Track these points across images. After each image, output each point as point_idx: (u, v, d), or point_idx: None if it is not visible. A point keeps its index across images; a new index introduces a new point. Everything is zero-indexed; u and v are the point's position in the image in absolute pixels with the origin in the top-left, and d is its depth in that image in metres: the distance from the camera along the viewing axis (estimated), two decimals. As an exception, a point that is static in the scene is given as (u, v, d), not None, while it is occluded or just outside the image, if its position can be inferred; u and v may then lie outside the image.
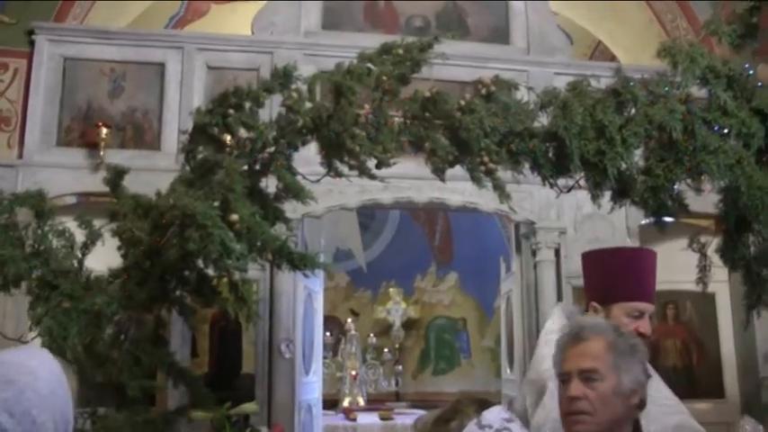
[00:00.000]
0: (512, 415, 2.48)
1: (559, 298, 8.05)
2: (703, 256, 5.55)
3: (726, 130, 4.89)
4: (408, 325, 15.47)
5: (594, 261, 3.56)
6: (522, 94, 5.10)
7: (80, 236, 4.89)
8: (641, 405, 2.38)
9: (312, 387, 8.75)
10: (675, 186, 4.93)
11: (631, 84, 4.77)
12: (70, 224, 4.91)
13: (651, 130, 4.74)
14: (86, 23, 8.75)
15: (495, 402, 2.66)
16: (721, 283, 8.40)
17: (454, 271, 15.65)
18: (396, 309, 15.25)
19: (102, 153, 7.54)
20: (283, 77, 4.87)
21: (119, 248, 4.74)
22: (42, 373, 1.73)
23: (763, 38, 5.36)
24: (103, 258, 4.87)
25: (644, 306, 3.26)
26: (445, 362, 15.56)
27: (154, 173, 6.74)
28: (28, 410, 1.65)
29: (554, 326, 3.38)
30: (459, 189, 7.49)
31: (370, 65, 4.84)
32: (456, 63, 7.57)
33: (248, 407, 6.32)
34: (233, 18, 11.72)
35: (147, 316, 4.93)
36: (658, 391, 3.21)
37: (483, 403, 2.63)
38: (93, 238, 4.82)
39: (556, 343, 2.49)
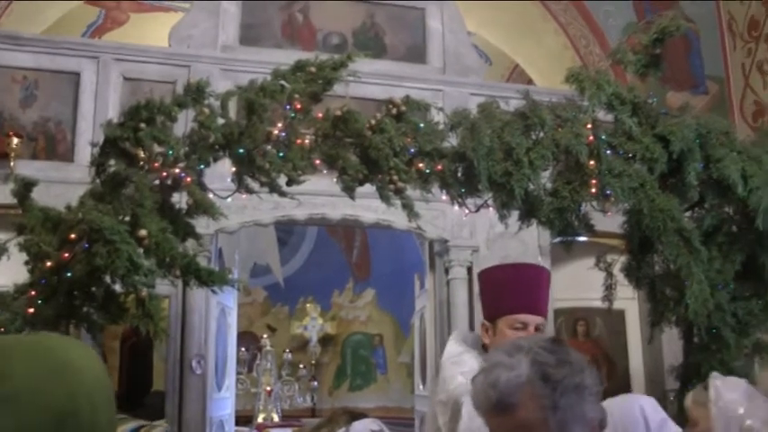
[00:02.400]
0: (382, 427, 2.50)
1: (471, 315, 8.14)
2: (609, 274, 5.69)
3: (630, 155, 5.04)
4: (325, 341, 15.51)
5: (486, 278, 3.61)
6: (433, 115, 5.17)
7: (-16, 250, 4.77)
8: (602, 429, 1.87)
9: (224, 403, 8.67)
10: (582, 207, 5.06)
11: (539, 108, 4.89)
12: (-27, 237, 4.79)
13: (558, 153, 4.86)
14: (-2, 28, 8.57)
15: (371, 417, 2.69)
16: (630, 300, 8.59)
17: (371, 287, 15.74)
18: (313, 324, 15.27)
19: (12, 163, 7.34)
20: (196, 92, 4.84)
21: (26, 263, 4.64)
22: None
23: (667, 68, 5.53)
24: (9, 273, 4.76)
25: (527, 318, 3.26)
26: (361, 378, 15.61)
27: (66, 185, 6.60)
28: None
29: (453, 349, 3.41)
30: (373, 206, 7.50)
31: (283, 82, 4.86)
32: (372, 81, 7.65)
33: (158, 425, 6.25)
34: (153, 28, 11.60)
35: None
36: None
37: (357, 416, 2.65)
38: (-3, 252, 4.71)
39: (474, 401, 1.91)
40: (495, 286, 3.43)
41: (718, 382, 3.23)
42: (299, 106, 4.78)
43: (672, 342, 8.14)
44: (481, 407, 1.84)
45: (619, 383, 9.27)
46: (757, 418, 2.84)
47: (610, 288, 5.65)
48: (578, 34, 10.84)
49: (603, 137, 5.01)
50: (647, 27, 5.86)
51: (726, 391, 2.97)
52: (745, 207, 5.14)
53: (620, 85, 5.22)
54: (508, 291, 3.34)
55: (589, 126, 4.98)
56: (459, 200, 4.98)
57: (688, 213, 5.39)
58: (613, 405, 2.53)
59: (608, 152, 4.98)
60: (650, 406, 2.56)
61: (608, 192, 4.89)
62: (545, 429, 1.75)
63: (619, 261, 5.66)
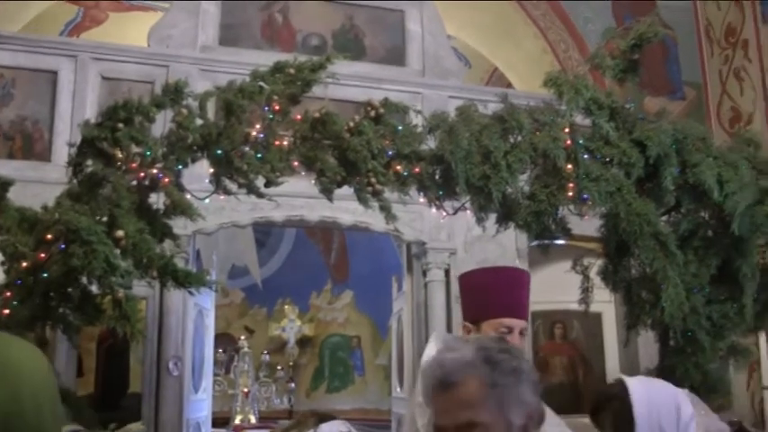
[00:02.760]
0: (351, 429, 2.51)
1: (449, 318, 8.16)
2: (586, 277, 5.71)
3: (608, 159, 5.07)
4: (303, 342, 15.48)
5: (468, 282, 3.64)
6: (411, 117, 5.19)
7: (-41, 250, 4.73)
8: (540, 421, 1.98)
9: (201, 405, 8.63)
10: (559, 211, 5.09)
11: (517, 111, 4.92)
12: (-52, 237, 4.74)
13: (536, 157, 4.89)
14: (-27, 26, 8.48)
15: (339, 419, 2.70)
16: (607, 303, 8.63)
17: (349, 289, 15.74)
18: (290, 326, 15.24)
19: (-12, 163, 7.30)
20: (174, 93, 4.82)
21: (1, 264, 4.61)
22: None
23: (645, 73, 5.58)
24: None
25: (512, 322, 3.31)
26: (339, 379, 15.62)
27: (43, 185, 6.52)
28: None
29: (432, 352, 3.43)
30: (350, 208, 7.49)
31: (262, 83, 4.85)
32: (351, 83, 7.66)
33: (133, 427, 6.20)
34: (132, 28, 11.55)
35: (29, 335, 4.80)
36: None
37: (325, 418, 2.67)
38: (-28, 252, 4.67)
39: (422, 383, 2.07)
40: (480, 289, 3.45)
41: None
42: (277, 108, 4.78)
43: (648, 345, 8.20)
44: (428, 386, 1.97)
45: (595, 385, 9.32)
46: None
47: (586, 291, 5.68)
48: (557, 39, 10.89)
49: (581, 141, 5.04)
50: (625, 33, 5.90)
51: None
52: (721, 212, 5.19)
53: (598, 90, 5.25)
54: (494, 294, 3.37)
55: (567, 130, 5.02)
56: (437, 202, 5.00)
57: (664, 218, 5.43)
58: (654, 387, 2.57)
59: (585, 156, 5.01)
60: (684, 398, 2.59)
61: (585, 196, 4.92)
62: (485, 407, 1.87)
63: (595, 264, 5.69)
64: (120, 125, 4.67)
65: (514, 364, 1.93)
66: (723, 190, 5.10)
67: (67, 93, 7.83)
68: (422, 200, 5.07)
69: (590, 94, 5.07)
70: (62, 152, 7.27)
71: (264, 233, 15.18)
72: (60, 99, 7.80)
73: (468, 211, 5.13)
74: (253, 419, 12.89)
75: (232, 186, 4.85)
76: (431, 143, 4.99)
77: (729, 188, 5.11)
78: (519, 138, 4.95)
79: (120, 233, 4.27)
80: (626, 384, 2.56)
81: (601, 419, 2.62)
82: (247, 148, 4.62)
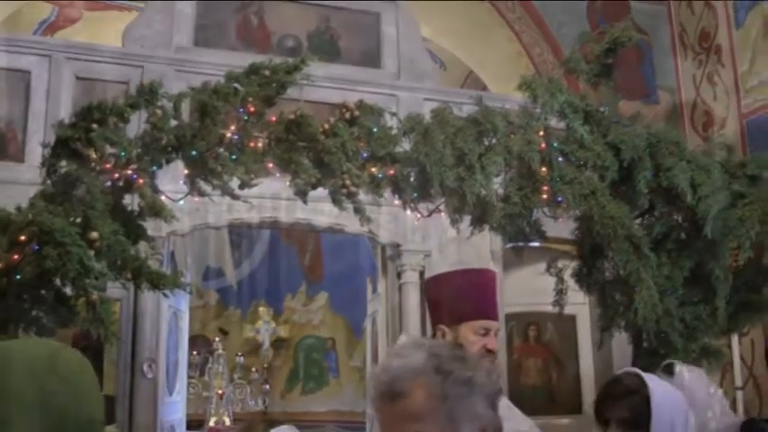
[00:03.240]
0: None
1: (423, 319, 8.16)
2: (560, 279, 5.74)
3: (582, 162, 5.11)
4: (277, 344, 15.42)
5: (440, 285, 3.65)
6: (386, 120, 5.20)
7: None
8: None
9: (176, 407, 8.59)
10: (533, 213, 5.11)
11: (492, 114, 4.94)
12: None
13: (510, 160, 4.92)
14: (-56, 26, 8.40)
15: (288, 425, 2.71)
16: (581, 305, 8.66)
17: (324, 290, 15.69)
18: (265, 328, 15.18)
19: (-40, 164, 7.22)
20: (149, 94, 4.81)
21: (-26, 266, 4.57)
22: None
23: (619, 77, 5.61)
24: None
25: (490, 323, 3.34)
26: (314, 381, 15.57)
27: (17, 186, 6.45)
28: None
29: None
30: (326, 210, 7.41)
31: (237, 85, 4.84)
32: (327, 85, 7.63)
33: (108, 430, 6.16)
34: (107, 27, 11.46)
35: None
36: (508, 409, 3.28)
37: (273, 424, 2.69)
38: (-57, 254, 4.63)
39: (369, 390, 1.97)
40: (457, 291, 3.45)
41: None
42: (252, 109, 4.78)
43: (621, 346, 8.22)
44: (374, 394, 1.83)
45: (569, 386, 9.37)
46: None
47: (561, 293, 5.70)
48: (532, 42, 10.93)
49: (555, 144, 5.08)
50: (599, 37, 5.95)
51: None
52: (694, 215, 5.24)
53: (573, 94, 5.29)
54: (471, 296, 3.39)
55: (541, 133, 5.05)
56: (412, 204, 5.02)
57: (638, 220, 5.47)
58: (668, 388, 2.61)
59: (560, 159, 5.05)
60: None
61: (559, 198, 4.96)
62: (434, 420, 1.74)
63: (570, 266, 5.72)
64: (95, 126, 4.64)
65: (468, 375, 1.80)
66: (696, 193, 5.15)
67: (41, 92, 7.73)
68: (397, 202, 5.09)
69: (564, 98, 5.11)
70: (36, 153, 7.19)
71: (239, 235, 15.11)
72: (34, 99, 7.71)
73: (443, 214, 5.15)
74: (227, 421, 12.83)
75: (207, 188, 4.84)
76: (406, 145, 5.00)
77: (702, 192, 5.16)
78: (494, 140, 4.98)
79: (94, 235, 4.25)
80: (645, 380, 2.57)
81: (610, 409, 2.62)
82: (222, 150, 4.62)
